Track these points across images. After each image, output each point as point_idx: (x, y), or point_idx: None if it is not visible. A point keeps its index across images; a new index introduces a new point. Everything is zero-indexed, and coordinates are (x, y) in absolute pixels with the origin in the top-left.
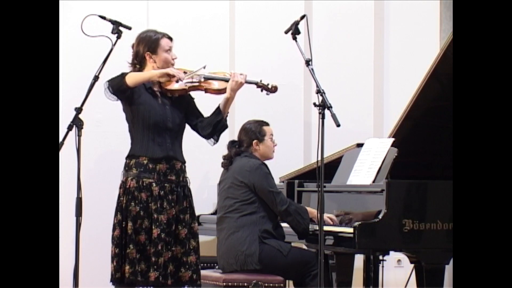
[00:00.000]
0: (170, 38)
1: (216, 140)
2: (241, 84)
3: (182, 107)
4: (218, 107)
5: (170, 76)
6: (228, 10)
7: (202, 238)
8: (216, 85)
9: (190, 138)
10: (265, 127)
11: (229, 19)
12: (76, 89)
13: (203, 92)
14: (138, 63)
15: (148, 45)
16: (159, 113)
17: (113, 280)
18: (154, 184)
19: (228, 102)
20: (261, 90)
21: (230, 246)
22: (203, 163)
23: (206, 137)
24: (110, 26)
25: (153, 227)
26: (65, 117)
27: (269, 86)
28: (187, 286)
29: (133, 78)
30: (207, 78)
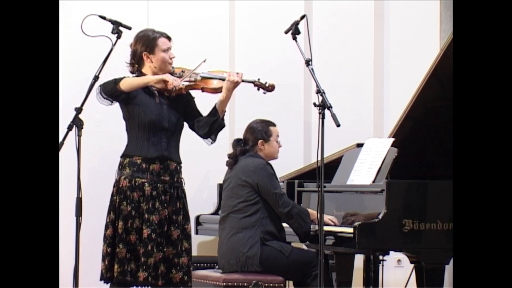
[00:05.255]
0: (169, 38)
1: (213, 140)
2: (237, 84)
3: (180, 107)
4: (215, 107)
5: (165, 83)
6: (228, 10)
7: (202, 238)
8: (213, 84)
9: (190, 138)
10: (271, 128)
11: (229, 19)
12: (76, 89)
13: (200, 91)
14: (136, 62)
15: (146, 44)
16: (154, 112)
17: (103, 279)
18: (146, 184)
19: (224, 101)
20: (258, 89)
21: (231, 247)
22: (203, 163)
23: (203, 136)
24: (110, 26)
25: (144, 227)
26: (65, 117)
27: (267, 85)
28: (178, 287)
29: (128, 84)
30: (204, 77)
